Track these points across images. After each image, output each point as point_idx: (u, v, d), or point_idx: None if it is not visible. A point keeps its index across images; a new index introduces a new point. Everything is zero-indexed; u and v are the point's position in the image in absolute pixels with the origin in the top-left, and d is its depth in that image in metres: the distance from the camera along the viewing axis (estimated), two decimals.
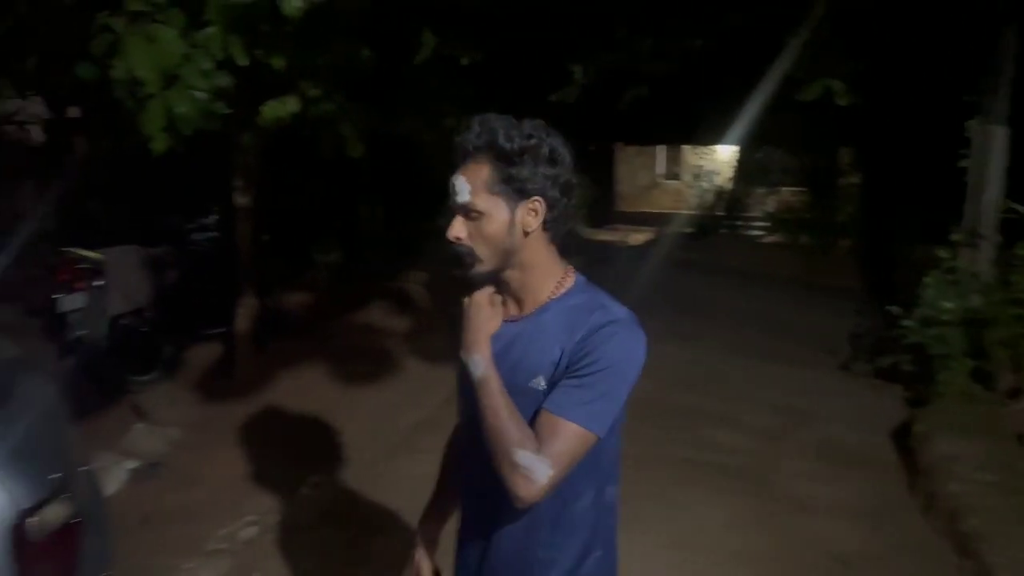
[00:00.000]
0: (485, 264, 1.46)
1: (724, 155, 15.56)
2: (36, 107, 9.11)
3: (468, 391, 1.48)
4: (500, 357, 1.47)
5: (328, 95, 3.21)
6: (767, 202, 13.83)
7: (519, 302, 1.52)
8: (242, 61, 2.90)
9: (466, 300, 1.50)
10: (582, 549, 1.55)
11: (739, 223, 13.59)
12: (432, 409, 5.26)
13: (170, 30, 2.94)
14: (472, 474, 1.58)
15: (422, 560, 1.80)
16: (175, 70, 3.01)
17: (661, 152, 19.68)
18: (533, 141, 1.40)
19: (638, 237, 15.14)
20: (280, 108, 3.22)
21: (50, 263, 5.28)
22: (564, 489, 1.46)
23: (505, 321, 1.52)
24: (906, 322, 5.53)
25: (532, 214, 1.43)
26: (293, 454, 4.47)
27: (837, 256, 11.21)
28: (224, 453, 4.47)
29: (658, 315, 7.75)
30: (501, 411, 1.40)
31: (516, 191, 1.41)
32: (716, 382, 6.00)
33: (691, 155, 16.81)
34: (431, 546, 1.82)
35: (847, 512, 4.02)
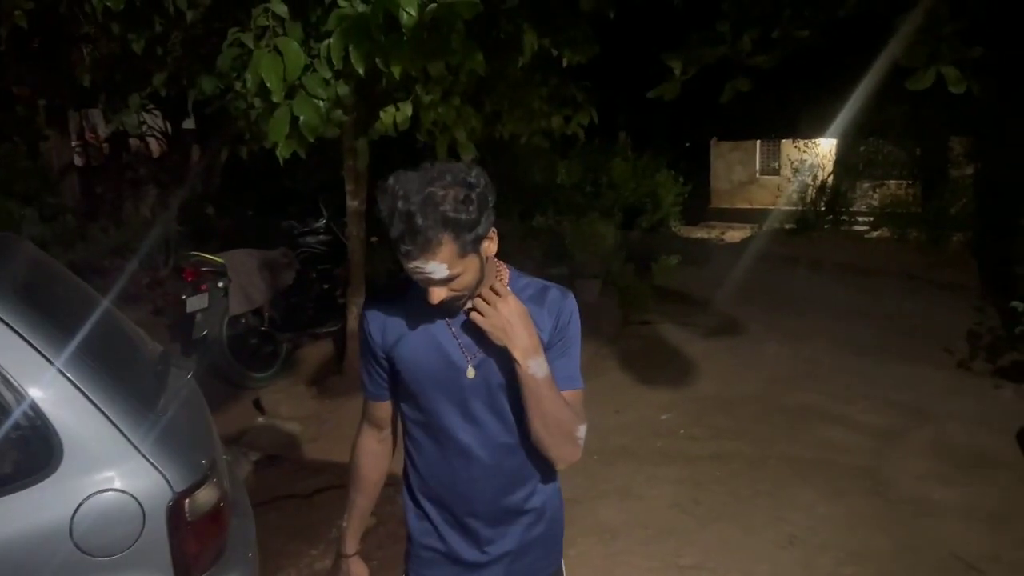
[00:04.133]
0: (468, 298, 1.59)
1: (826, 148, 15.07)
2: (154, 120, 9.70)
3: (460, 391, 1.65)
4: (485, 341, 1.60)
5: (443, 100, 3.32)
6: (872, 196, 13.27)
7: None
8: (360, 69, 3.02)
9: (499, 304, 1.56)
10: (553, 486, 1.81)
11: (843, 218, 13.09)
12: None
13: (294, 43, 3.10)
14: (448, 466, 1.71)
15: (358, 568, 1.93)
16: (298, 80, 3.16)
17: (758, 147, 19.23)
18: (476, 195, 1.47)
19: (735, 234, 14.83)
20: (397, 115, 3.35)
21: (178, 265, 5.61)
22: (528, 446, 1.70)
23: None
24: None
25: (490, 242, 1.56)
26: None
27: (949, 250, 10.70)
28: (341, 446, 4.62)
29: (763, 313, 7.73)
30: (561, 400, 1.62)
31: (478, 241, 1.51)
32: (827, 380, 5.85)
33: (790, 149, 16.34)
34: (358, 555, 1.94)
35: (971, 514, 3.87)
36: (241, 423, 4.89)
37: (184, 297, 5.17)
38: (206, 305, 5.21)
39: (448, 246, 1.46)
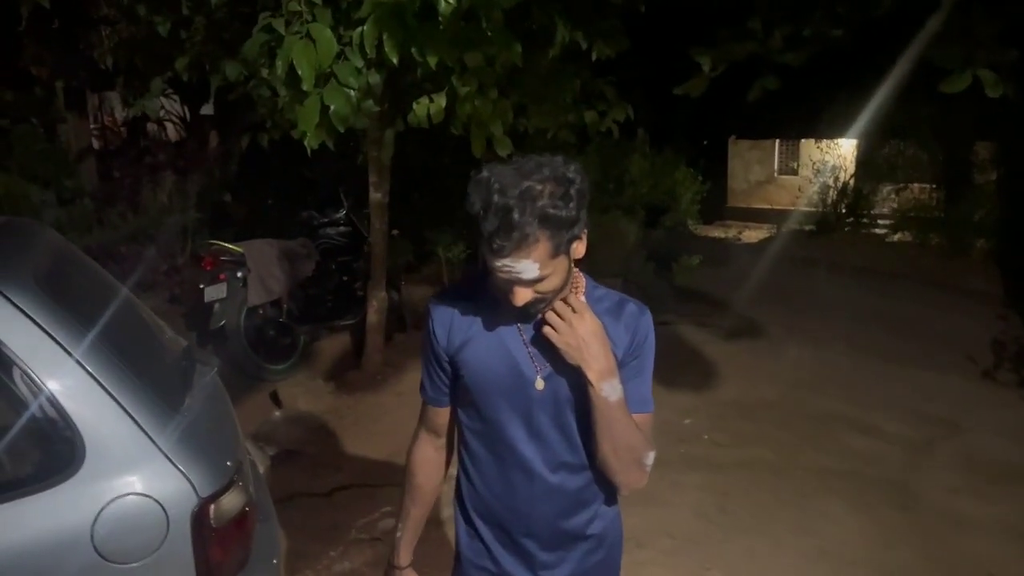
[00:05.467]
0: (549, 303, 1.49)
1: (846, 149, 14.90)
2: (172, 105, 9.63)
3: (527, 403, 1.55)
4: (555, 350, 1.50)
5: (479, 92, 3.22)
6: (893, 199, 13.11)
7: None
8: (394, 58, 2.92)
9: (575, 321, 1.46)
10: (614, 511, 1.73)
11: (864, 220, 12.94)
12: None
13: (327, 29, 3.00)
14: (507, 482, 1.63)
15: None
16: (329, 68, 3.06)
17: (776, 146, 19.06)
18: (575, 191, 1.39)
19: (751, 234, 14.68)
20: (431, 106, 3.25)
21: (197, 254, 5.53)
22: (592, 467, 1.62)
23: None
24: None
25: (579, 244, 1.46)
26: None
27: (972, 257, 10.55)
28: (359, 442, 4.58)
29: (783, 315, 7.61)
30: (632, 425, 1.53)
31: (571, 241, 1.43)
32: (850, 386, 5.74)
33: (812, 149, 16.18)
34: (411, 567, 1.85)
35: (1006, 531, 3.77)
36: (257, 416, 4.82)
37: (202, 286, 5.09)
38: (224, 295, 5.14)
39: (543, 244, 1.37)
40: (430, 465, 1.78)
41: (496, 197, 1.35)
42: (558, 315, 1.47)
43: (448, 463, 1.82)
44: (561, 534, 1.64)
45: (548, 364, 1.54)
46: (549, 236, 1.37)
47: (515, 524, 1.64)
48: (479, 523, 1.68)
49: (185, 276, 6.13)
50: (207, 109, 9.48)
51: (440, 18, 2.86)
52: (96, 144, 9.38)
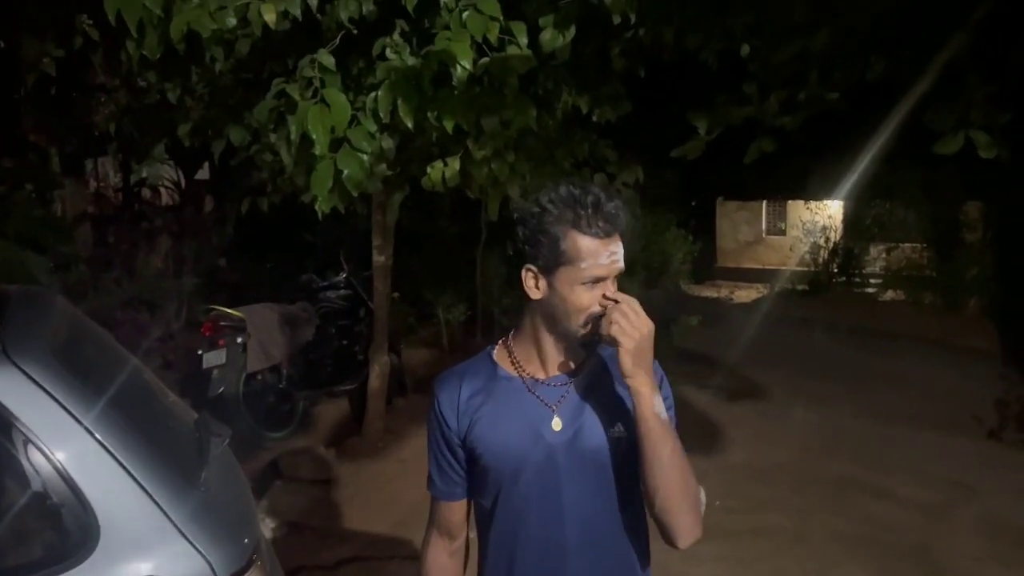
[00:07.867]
0: (595, 330, 1.47)
1: (834, 210, 15.09)
2: (166, 170, 9.65)
3: (554, 474, 1.47)
4: (575, 415, 1.47)
5: (496, 155, 3.20)
6: (883, 258, 13.22)
7: (565, 360, 1.52)
8: (409, 123, 2.91)
9: (644, 318, 1.40)
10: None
11: (855, 279, 13.01)
12: None
13: (341, 95, 2.99)
14: (542, 565, 1.51)
15: None
16: (343, 133, 3.04)
17: (764, 207, 19.25)
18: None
19: (742, 293, 14.73)
20: (446, 170, 3.23)
21: (196, 319, 5.44)
22: (644, 528, 1.56)
23: (561, 378, 1.51)
24: None
25: None
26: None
27: (966, 315, 10.59)
28: (362, 512, 4.43)
29: (784, 376, 7.56)
30: (682, 451, 1.42)
31: None
32: (859, 448, 5.65)
33: (801, 210, 16.37)
34: None
35: None
36: (258, 486, 4.67)
37: (201, 352, 4.99)
38: (224, 361, 5.04)
39: (622, 233, 1.43)
40: (446, 574, 1.66)
41: (581, 193, 1.39)
42: (629, 308, 1.40)
43: (464, 567, 1.70)
44: None
45: (571, 428, 1.47)
46: (621, 238, 1.44)
47: None
48: None
49: (180, 342, 6.02)
50: (202, 174, 9.50)
51: (455, 83, 2.86)
52: (91, 209, 9.32)
